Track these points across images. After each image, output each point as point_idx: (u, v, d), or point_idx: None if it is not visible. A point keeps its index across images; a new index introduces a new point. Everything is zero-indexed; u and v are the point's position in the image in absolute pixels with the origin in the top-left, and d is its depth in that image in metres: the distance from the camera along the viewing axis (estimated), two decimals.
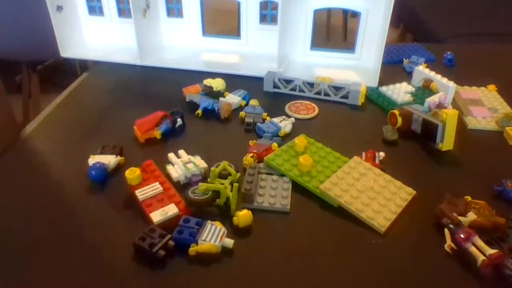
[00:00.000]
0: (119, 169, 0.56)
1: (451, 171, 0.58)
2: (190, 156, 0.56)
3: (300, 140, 0.58)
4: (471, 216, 0.47)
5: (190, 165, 0.54)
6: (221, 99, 0.71)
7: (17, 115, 1.50)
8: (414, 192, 0.53)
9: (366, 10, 0.80)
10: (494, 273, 0.42)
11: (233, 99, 0.72)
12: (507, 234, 0.46)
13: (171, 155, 0.57)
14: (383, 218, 0.48)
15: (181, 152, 0.58)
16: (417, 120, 0.63)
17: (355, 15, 0.83)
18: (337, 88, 0.74)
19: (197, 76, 0.78)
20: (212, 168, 0.53)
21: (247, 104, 0.71)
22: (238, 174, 0.53)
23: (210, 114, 0.69)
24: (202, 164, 0.55)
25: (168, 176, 0.54)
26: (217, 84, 0.75)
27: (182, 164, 0.54)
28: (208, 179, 0.52)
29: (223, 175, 0.53)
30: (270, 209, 0.50)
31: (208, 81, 0.75)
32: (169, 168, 0.55)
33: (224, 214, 0.49)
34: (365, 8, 0.80)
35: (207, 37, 0.91)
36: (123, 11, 0.89)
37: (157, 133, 0.62)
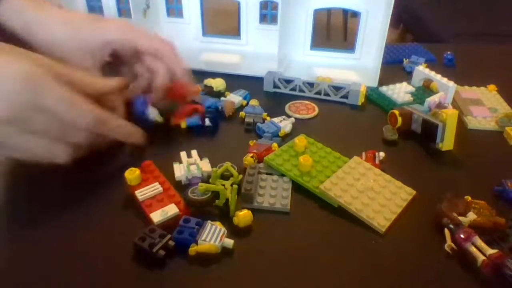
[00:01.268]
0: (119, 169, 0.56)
1: (451, 171, 0.58)
2: (197, 158, 0.56)
3: (300, 140, 0.58)
4: (471, 216, 0.47)
5: (193, 167, 0.54)
6: (222, 98, 0.71)
7: None
8: (414, 192, 0.53)
9: (366, 10, 0.80)
10: (494, 273, 0.42)
11: (234, 99, 0.72)
12: (507, 234, 0.46)
13: (183, 154, 0.57)
14: (383, 218, 0.48)
15: (193, 152, 0.58)
16: (417, 120, 0.63)
17: (355, 15, 0.82)
18: (337, 88, 0.74)
19: (197, 76, 0.77)
20: (214, 169, 0.53)
21: (247, 104, 0.71)
22: (240, 176, 0.53)
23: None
24: (207, 167, 0.54)
25: (170, 174, 0.53)
26: (217, 84, 0.75)
27: (186, 164, 0.54)
28: (210, 180, 0.52)
29: (225, 176, 0.53)
30: (270, 209, 0.50)
31: (208, 81, 0.75)
32: (176, 166, 0.55)
33: (224, 215, 0.49)
34: (365, 8, 0.80)
35: (207, 37, 0.91)
36: (123, 11, 0.89)
37: (183, 123, 0.62)
